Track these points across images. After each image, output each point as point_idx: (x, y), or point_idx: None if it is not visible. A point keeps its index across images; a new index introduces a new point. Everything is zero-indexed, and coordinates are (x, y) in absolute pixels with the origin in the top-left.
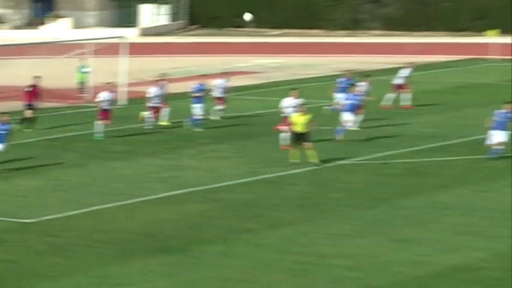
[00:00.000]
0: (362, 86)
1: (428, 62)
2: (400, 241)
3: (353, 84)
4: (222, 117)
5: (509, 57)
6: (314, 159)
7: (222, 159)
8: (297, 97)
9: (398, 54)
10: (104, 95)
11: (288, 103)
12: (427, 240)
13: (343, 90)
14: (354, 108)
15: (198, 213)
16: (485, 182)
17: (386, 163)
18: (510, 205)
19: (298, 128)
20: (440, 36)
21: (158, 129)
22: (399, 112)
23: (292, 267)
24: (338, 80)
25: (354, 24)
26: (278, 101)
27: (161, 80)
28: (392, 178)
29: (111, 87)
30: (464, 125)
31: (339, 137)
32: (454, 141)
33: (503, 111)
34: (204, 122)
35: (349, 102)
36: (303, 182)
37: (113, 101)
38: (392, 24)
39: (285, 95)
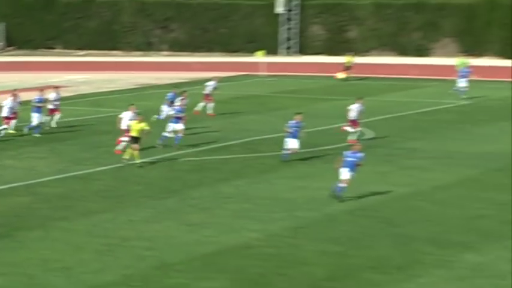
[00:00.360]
0: (182, 99)
1: (210, 77)
2: (190, 225)
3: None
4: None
5: (274, 73)
6: (127, 157)
7: (38, 159)
8: (135, 110)
9: (184, 71)
10: None
11: (127, 115)
12: (212, 223)
13: (170, 104)
14: (179, 119)
15: (20, 205)
16: (258, 175)
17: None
18: (278, 194)
19: (134, 133)
20: (218, 56)
21: None
22: (190, 119)
23: (99, 248)
24: (167, 94)
25: (147, 46)
26: (85, 110)
27: (14, 93)
28: (182, 173)
29: None
30: (241, 129)
31: (159, 144)
32: (233, 142)
33: (294, 121)
34: (41, 128)
35: (174, 114)
36: (107, 177)
37: None
38: (178, 47)
39: (91, 104)
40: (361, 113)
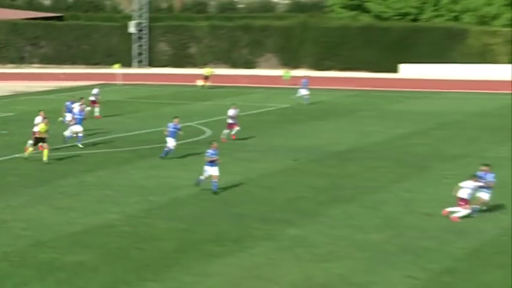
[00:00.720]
0: (81, 104)
1: (74, 86)
2: (60, 209)
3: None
4: None
5: (129, 82)
6: (45, 157)
7: None
8: (44, 116)
9: (52, 81)
10: None
11: (38, 119)
12: (78, 207)
13: (70, 110)
14: (81, 122)
15: None
16: (117, 166)
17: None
18: (134, 182)
19: (41, 135)
20: (81, 68)
21: None
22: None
23: None
24: (65, 103)
25: (20, 60)
26: None
27: None
28: (52, 166)
29: None
30: (103, 128)
31: (68, 141)
32: (96, 139)
33: (172, 123)
34: None
35: (77, 117)
36: None
37: None
38: (47, 60)
39: None
40: (236, 115)
